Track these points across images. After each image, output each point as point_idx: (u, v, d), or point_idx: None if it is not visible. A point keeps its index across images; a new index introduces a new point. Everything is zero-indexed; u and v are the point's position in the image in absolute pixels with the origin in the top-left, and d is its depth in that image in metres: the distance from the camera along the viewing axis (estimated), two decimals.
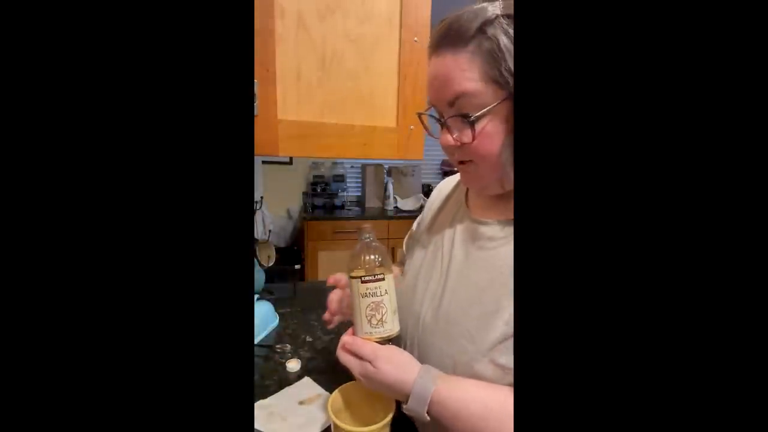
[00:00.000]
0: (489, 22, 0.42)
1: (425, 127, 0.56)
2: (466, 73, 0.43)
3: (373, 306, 0.48)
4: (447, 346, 0.50)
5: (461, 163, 0.50)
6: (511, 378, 0.44)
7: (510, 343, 0.44)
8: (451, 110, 0.46)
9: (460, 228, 0.57)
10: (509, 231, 0.49)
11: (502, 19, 0.42)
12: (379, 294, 0.48)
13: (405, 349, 0.58)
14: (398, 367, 0.46)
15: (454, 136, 0.46)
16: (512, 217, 0.48)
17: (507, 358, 0.44)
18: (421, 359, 0.52)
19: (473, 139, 0.44)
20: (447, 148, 0.49)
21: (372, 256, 0.49)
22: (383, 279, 0.48)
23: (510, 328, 0.44)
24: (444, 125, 0.47)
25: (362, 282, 0.48)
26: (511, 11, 0.42)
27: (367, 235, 0.51)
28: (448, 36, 0.44)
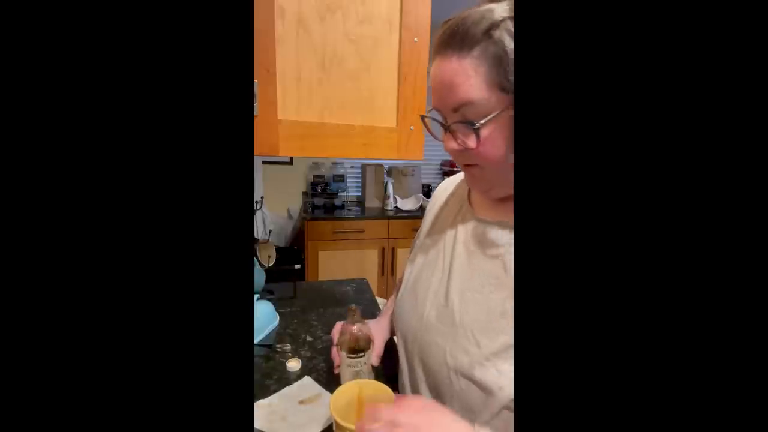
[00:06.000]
0: (495, 25, 0.41)
1: (428, 130, 0.56)
2: (472, 80, 0.42)
3: (354, 373, 0.63)
4: (450, 347, 0.50)
5: (467, 166, 0.50)
6: (507, 382, 0.43)
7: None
8: (455, 116, 0.45)
9: (463, 226, 0.57)
10: (510, 235, 0.49)
11: (508, 22, 0.41)
12: (359, 366, 0.63)
13: (406, 345, 0.59)
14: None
15: (459, 141, 0.46)
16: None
17: (509, 365, 0.44)
18: (422, 357, 0.54)
19: (478, 145, 0.44)
20: (452, 152, 0.49)
21: (357, 334, 0.63)
22: (363, 355, 0.63)
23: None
24: (448, 130, 0.47)
25: (347, 356, 0.63)
26: None
27: (356, 324, 0.64)
28: (454, 39, 0.43)
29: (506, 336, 0.45)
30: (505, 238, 0.50)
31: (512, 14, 0.41)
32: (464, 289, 0.52)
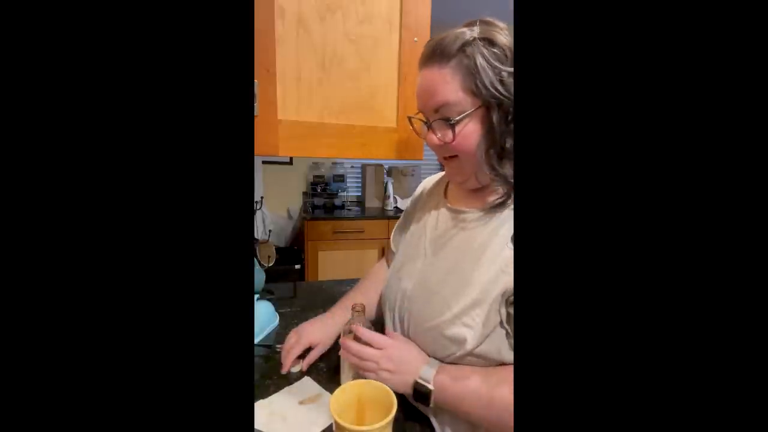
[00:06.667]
0: (468, 43, 0.52)
1: (415, 130, 0.65)
2: (449, 85, 0.53)
3: (356, 373, 0.63)
4: (427, 311, 0.60)
5: (447, 158, 0.60)
6: (472, 332, 0.54)
7: (479, 310, 0.54)
8: (436, 115, 0.56)
9: (438, 215, 0.68)
10: (478, 218, 0.59)
11: (478, 41, 0.52)
12: None
13: (392, 319, 0.70)
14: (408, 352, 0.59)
15: (439, 136, 0.57)
16: (483, 206, 0.59)
17: (473, 320, 0.54)
18: (404, 324, 0.65)
19: (454, 139, 0.55)
20: (433, 147, 0.59)
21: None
22: None
23: (477, 295, 0.54)
24: (430, 128, 0.58)
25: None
26: (486, 35, 0.52)
27: (360, 324, 0.65)
28: (435, 54, 0.54)
29: (471, 297, 0.55)
30: (472, 222, 0.60)
31: (482, 35, 0.52)
32: (437, 261, 0.62)
